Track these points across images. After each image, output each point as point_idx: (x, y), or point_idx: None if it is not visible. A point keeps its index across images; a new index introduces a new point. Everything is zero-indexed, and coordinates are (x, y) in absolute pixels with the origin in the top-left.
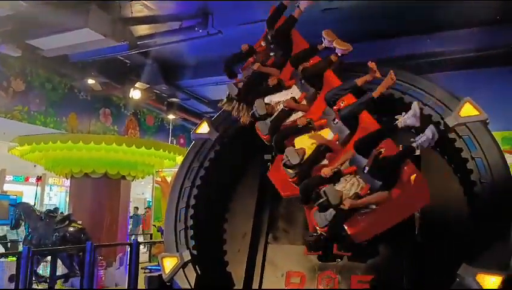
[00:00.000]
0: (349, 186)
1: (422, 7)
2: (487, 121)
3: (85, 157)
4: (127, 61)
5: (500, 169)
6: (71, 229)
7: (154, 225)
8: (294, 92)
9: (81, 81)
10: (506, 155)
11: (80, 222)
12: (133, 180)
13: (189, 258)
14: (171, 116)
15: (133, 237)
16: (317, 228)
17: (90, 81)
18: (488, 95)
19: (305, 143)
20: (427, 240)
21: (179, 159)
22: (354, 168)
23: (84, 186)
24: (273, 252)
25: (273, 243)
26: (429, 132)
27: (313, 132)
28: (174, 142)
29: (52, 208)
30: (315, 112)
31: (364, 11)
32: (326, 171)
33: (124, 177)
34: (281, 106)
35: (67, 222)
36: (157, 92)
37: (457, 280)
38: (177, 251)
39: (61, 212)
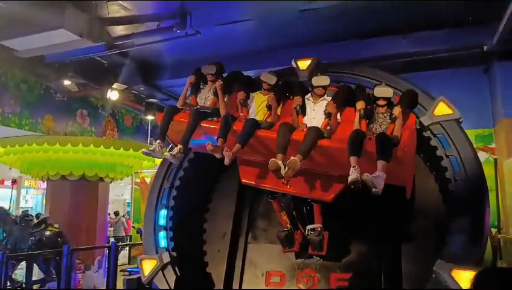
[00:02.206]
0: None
1: (398, 8)
2: (460, 120)
3: (62, 159)
4: (104, 61)
5: (473, 166)
6: (48, 232)
7: (133, 227)
8: None
9: (57, 82)
10: (480, 153)
11: (56, 225)
12: (111, 181)
13: (169, 260)
14: (149, 117)
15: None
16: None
17: (67, 82)
18: (461, 94)
19: (258, 101)
20: (405, 238)
21: (158, 160)
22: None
23: (61, 188)
24: (253, 252)
25: (253, 242)
26: None
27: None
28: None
29: (28, 211)
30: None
31: (341, 11)
32: None
33: (102, 179)
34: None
35: (43, 225)
36: (136, 92)
37: (433, 275)
38: (156, 253)
39: (38, 214)
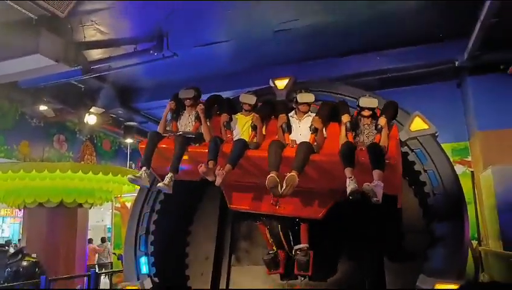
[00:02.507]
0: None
1: (371, 26)
2: (436, 134)
3: (39, 186)
4: (81, 85)
5: (451, 180)
6: (24, 263)
7: (114, 253)
8: None
9: (33, 108)
10: (456, 166)
11: (34, 255)
12: (90, 207)
13: (151, 286)
14: (128, 140)
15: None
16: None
17: (43, 107)
18: (436, 109)
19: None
20: (388, 253)
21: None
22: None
23: (39, 216)
24: (237, 274)
25: (236, 264)
26: None
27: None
28: (133, 166)
29: (4, 241)
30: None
31: (315, 31)
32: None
33: (81, 205)
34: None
35: (20, 255)
36: (114, 116)
37: None
38: (138, 280)
39: (15, 244)
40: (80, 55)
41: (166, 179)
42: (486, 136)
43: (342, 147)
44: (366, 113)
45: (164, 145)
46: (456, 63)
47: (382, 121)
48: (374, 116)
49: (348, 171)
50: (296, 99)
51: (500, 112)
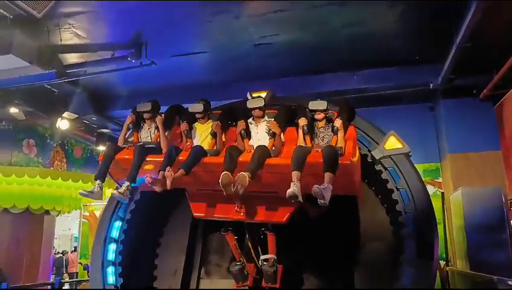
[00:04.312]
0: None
1: (350, 46)
2: (410, 154)
3: (5, 191)
4: (54, 90)
5: (422, 199)
6: None
7: (80, 263)
8: None
9: (2, 110)
10: (427, 186)
11: None
12: (58, 215)
13: None
14: (101, 148)
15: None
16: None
17: (13, 110)
18: (409, 130)
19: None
20: (358, 269)
21: (109, 192)
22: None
23: (3, 222)
24: (206, 287)
25: (205, 278)
26: None
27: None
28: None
29: None
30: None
31: (295, 47)
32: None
33: (48, 212)
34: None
35: None
36: (87, 122)
37: None
38: None
39: None
40: (55, 58)
41: (122, 188)
42: (457, 159)
43: (295, 150)
44: (318, 116)
45: (125, 156)
46: (431, 85)
47: (337, 122)
48: (329, 120)
49: (294, 175)
50: (247, 106)
51: (471, 135)
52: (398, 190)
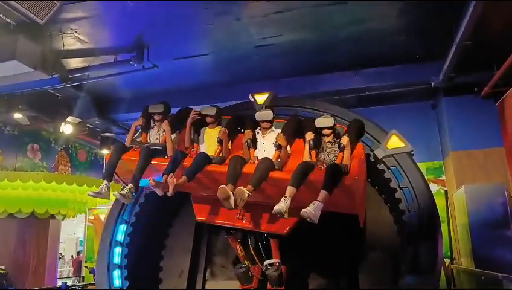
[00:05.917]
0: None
1: (351, 45)
2: (412, 153)
3: (10, 196)
4: (58, 94)
5: (426, 198)
6: None
7: (86, 267)
8: None
9: (7, 115)
10: (431, 184)
11: (2, 267)
12: (63, 219)
13: None
14: (104, 151)
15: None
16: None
17: (18, 115)
18: (411, 129)
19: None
20: (362, 269)
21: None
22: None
23: (9, 227)
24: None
25: (210, 279)
26: None
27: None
28: None
29: None
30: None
31: (295, 48)
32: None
33: (53, 216)
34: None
35: None
36: (90, 126)
37: None
38: None
39: None
40: (58, 63)
41: (125, 190)
42: (460, 156)
43: (298, 165)
44: (325, 132)
45: (131, 157)
46: (432, 84)
47: (344, 140)
48: (337, 135)
49: (289, 191)
50: (256, 117)
51: (473, 132)
52: (401, 188)
